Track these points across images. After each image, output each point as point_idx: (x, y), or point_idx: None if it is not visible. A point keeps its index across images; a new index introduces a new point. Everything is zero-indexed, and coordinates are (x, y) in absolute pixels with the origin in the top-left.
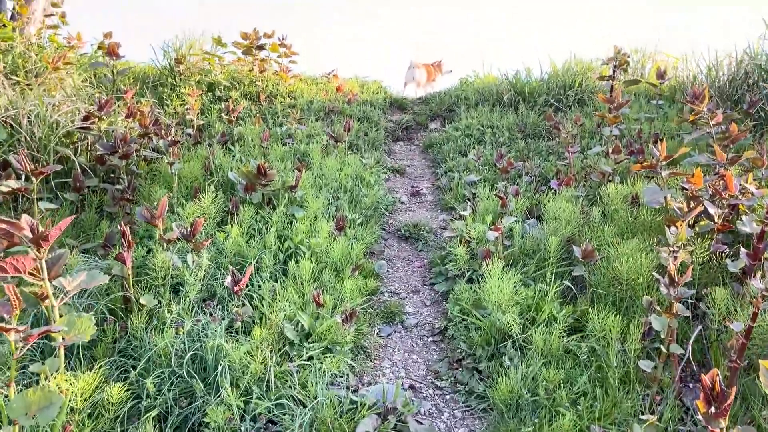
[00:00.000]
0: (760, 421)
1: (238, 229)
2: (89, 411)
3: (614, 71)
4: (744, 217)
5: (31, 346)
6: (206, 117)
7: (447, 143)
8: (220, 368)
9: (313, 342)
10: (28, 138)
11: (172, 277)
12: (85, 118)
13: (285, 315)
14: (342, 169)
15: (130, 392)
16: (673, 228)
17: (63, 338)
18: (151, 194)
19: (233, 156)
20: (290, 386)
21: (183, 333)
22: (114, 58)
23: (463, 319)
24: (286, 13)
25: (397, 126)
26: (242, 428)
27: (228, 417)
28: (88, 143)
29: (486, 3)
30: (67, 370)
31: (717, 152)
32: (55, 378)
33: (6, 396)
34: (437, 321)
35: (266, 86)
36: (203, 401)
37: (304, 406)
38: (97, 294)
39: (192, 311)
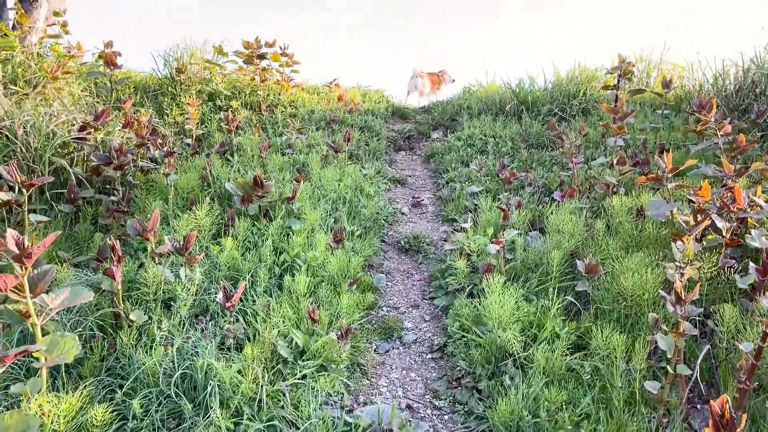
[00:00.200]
0: None
1: (232, 242)
2: None
3: (619, 81)
4: (753, 232)
5: (15, 365)
6: (206, 127)
7: (449, 153)
8: (209, 388)
9: (308, 360)
10: (23, 148)
11: (163, 292)
12: (82, 128)
13: (279, 331)
14: (341, 179)
15: (116, 413)
16: (679, 243)
17: (45, 359)
18: (146, 205)
19: (231, 166)
20: (282, 406)
21: (172, 351)
22: (112, 67)
23: (463, 336)
24: (290, 23)
25: (398, 135)
26: None
27: None
28: (84, 154)
29: (490, 11)
30: (52, 390)
31: (724, 164)
32: (36, 399)
33: None
34: (437, 337)
35: (267, 95)
36: (192, 422)
37: (297, 428)
38: (86, 309)
39: (183, 327)
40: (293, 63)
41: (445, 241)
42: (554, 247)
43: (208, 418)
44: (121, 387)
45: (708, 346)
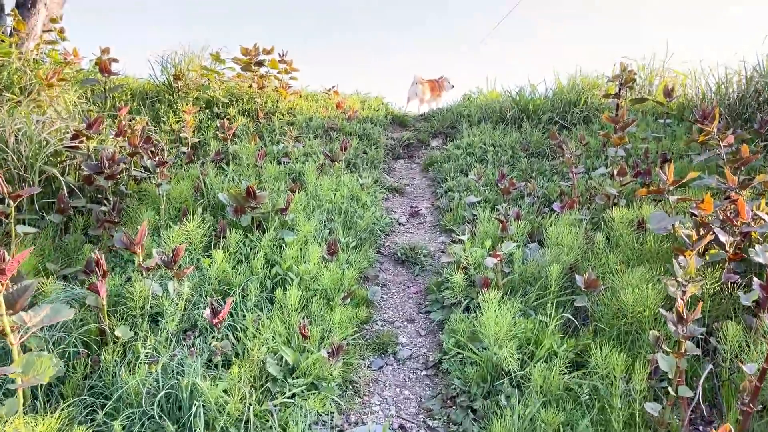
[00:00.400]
0: None
1: (223, 255)
2: None
3: (620, 89)
4: (757, 247)
5: None
6: (203, 134)
7: (448, 162)
8: (194, 408)
9: (298, 377)
10: (14, 157)
11: (151, 307)
12: (74, 137)
13: (268, 348)
14: (338, 189)
15: None
16: (681, 258)
17: (21, 380)
18: (138, 216)
19: (226, 176)
20: (270, 427)
21: (156, 370)
22: (106, 75)
23: (459, 353)
24: (291, 29)
25: (397, 143)
26: None
27: None
28: (77, 162)
29: (490, 17)
30: (32, 411)
31: (728, 176)
32: (12, 422)
33: None
34: (432, 353)
35: (265, 103)
36: None
37: None
38: (70, 325)
39: (170, 344)
40: (292, 70)
41: (442, 252)
42: (553, 260)
43: None
44: (103, 407)
45: (710, 366)
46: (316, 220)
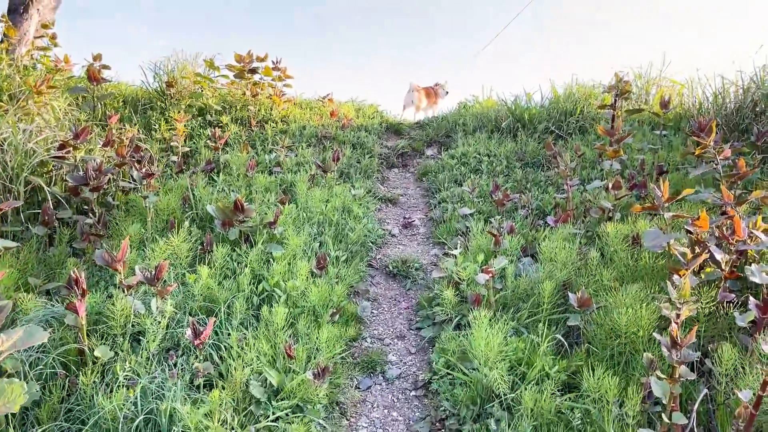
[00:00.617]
0: None
1: (208, 271)
2: None
3: (616, 100)
4: (753, 266)
5: None
6: (195, 143)
7: (442, 172)
8: None
9: (282, 400)
10: None
11: (133, 325)
12: (61, 147)
13: (252, 370)
14: (329, 200)
15: None
16: (676, 277)
17: None
18: (124, 228)
19: (215, 186)
20: None
21: (134, 393)
22: (95, 83)
23: (449, 373)
24: (287, 36)
25: (392, 152)
26: None
27: None
28: (63, 172)
29: (487, 19)
30: None
31: (724, 192)
32: None
33: None
34: (422, 372)
35: (258, 111)
36: None
37: None
38: (49, 345)
39: (152, 364)
40: (286, 77)
41: (435, 265)
42: (546, 277)
43: None
44: None
45: (705, 390)
46: (306, 234)
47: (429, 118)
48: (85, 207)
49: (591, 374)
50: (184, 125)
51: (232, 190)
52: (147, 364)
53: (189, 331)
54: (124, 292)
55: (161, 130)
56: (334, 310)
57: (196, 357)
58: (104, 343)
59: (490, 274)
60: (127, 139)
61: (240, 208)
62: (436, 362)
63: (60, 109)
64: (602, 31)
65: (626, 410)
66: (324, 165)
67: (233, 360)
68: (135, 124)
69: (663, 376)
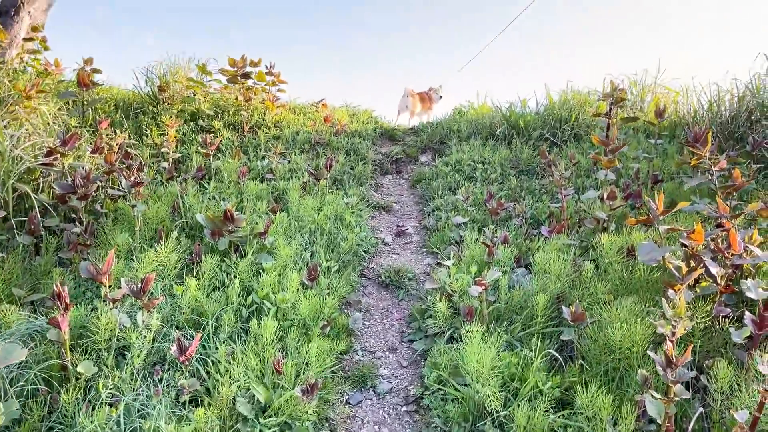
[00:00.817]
0: None
1: (196, 283)
2: None
3: (611, 108)
4: (749, 281)
5: None
6: (186, 148)
7: (436, 179)
8: None
9: (270, 417)
10: None
11: (118, 340)
12: (49, 154)
13: (239, 386)
14: (321, 209)
15: None
16: (671, 292)
17: None
18: (112, 238)
19: (205, 194)
20: None
21: (117, 411)
22: (85, 88)
23: (440, 389)
24: (283, 41)
25: (386, 158)
26: None
27: None
28: (51, 179)
29: (484, 31)
30: None
31: (720, 205)
32: None
33: None
34: (413, 386)
35: (251, 116)
36: None
37: None
38: (30, 361)
39: (137, 379)
40: (279, 82)
41: (428, 275)
42: (540, 290)
43: None
44: None
45: (701, 409)
46: (297, 243)
47: (424, 124)
48: (73, 215)
49: (585, 391)
50: (176, 130)
51: (223, 198)
52: (131, 380)
53: (174, 347)
54: (109, 305)
55: (152, 136)
56: (325, 323)
57: (182, 373)
58: (88, 358)
59: (483, 287)
60: (117, 145)
61: (230, 217)
62: (428, 377)
63: (49, 114)
64: (597, 37)
65: (620, 429)
66: (317, 172)
67: (221, 375)
68: (126, 129)
69: (658, 396)
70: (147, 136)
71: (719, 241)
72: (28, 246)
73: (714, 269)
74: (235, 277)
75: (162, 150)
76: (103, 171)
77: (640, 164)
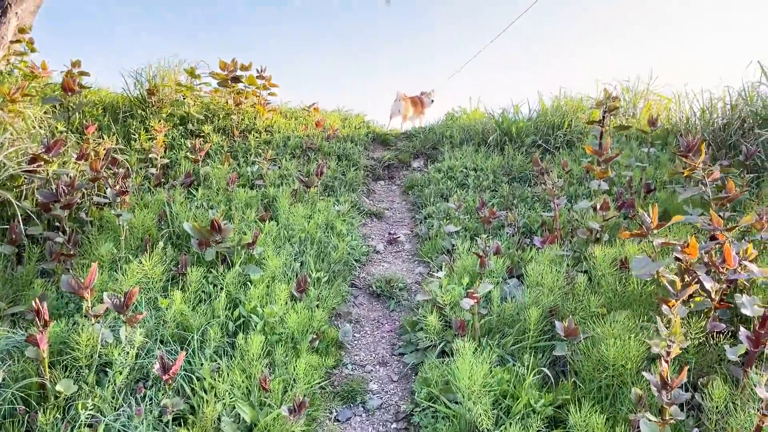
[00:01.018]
0: None
1: (182, 295)
2: None
3: (604, 116)
4: (744, 298)
5: None
6: (175, 153)
7: (428, 185)
8: None
9: None
10: None
11: (100, 356)
12: (32, 160)
13: (224, 405)
14: (312, 216)
15: None
16: (665, 307)
17: None
18: (97, 247)
19: (193, 202)
20: None
21: None
22: (70, 93)
23: (431, 406)
24: (275, 43)
25: (378, 164)
26: None
27: None
28: (35, 186)
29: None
30: None
31: (713, 217)
32: None
33: None
34: (404, 402)
35: (242, 120)
36: None
37: None
38: (9, 379)
39: (119, 398)
40: (271, 86)
41: (419, 284)
42: (532, 303)
43: None
44: None
45: (696, 430)
46: (287, 253)
47: (416, 129)
48: (57, 223)
49: (578, 410)
50: (165, 135)
51: (211, 206)
52: (113, 398)
53: (157, 365)
54: (91, 320)
55: (141, 140)
56: (314, 336)
57: (165, 392)
58: (68, 376)
59: (475, 300)
60: (103, 150)
61: (217, 228)
62: (419, 393)
63: (35, 118)
64: (595, 38)
65: None
66: (307, 179)
67: (206, 393)
68: (114, 134)
69: (653, 418)
70: (135, 141)
71: (713, 254)
72: (10, 255)
73: (708, 284)
74: (221, 289)
75: (150, 155)
76: (89, 178)
77: (633, 172)
